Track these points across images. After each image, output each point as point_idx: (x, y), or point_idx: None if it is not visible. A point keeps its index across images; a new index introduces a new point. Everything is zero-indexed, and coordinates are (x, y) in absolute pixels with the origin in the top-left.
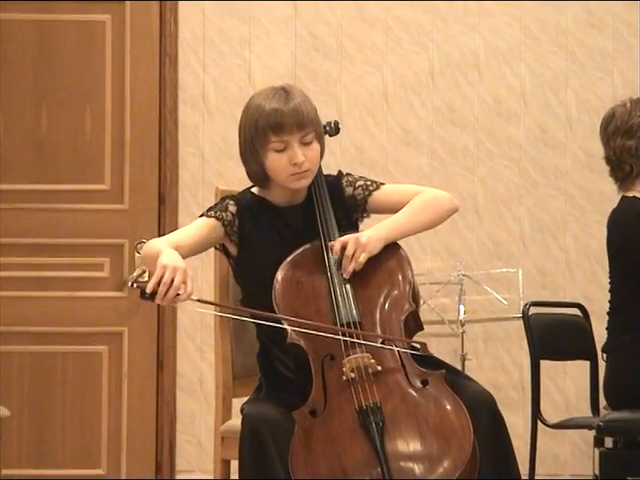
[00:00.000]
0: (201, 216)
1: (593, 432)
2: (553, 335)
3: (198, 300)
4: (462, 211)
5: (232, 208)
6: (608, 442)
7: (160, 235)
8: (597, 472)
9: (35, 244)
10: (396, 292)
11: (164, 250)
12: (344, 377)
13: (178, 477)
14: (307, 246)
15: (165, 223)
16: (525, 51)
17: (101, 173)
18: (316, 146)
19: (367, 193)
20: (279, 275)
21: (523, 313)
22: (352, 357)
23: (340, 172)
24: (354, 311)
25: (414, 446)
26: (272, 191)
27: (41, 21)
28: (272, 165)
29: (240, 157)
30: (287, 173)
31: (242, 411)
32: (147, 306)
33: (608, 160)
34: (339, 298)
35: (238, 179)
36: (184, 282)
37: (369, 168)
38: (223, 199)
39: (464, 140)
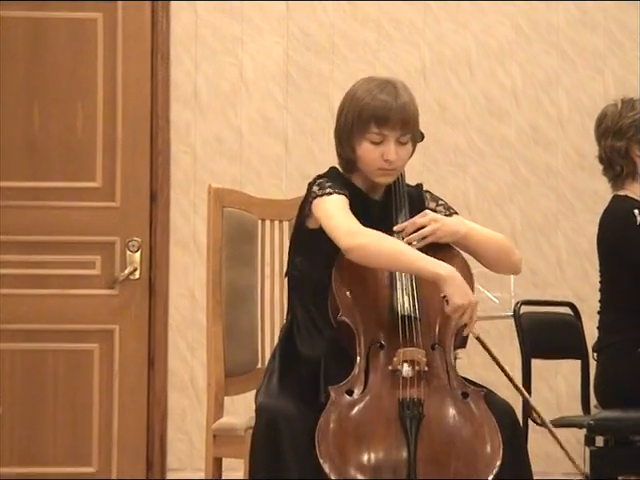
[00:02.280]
0: (334, 194)
1: (584, 431)
2: (544, 334)
3: None
4: None
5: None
6: (599, 441)
7: (151, 233)
8: (588, 471)
9: (26, 242)
10: None
11: (446, 277)
12: (390, 367)
13: (169, 475)
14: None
15: (157, 221)
16: (517, 50)
17: (93, 170)
18: (409, 147)
19: (448, 213)
20: (343, 257)
21: (514, 312)
22: (408, 350)
23: (421, 184)
24: (416, 306)
25: (444, 451)
26: (356, 177)
27: (33, 19)
28: (364, 154)
29: (334, 136)
30: (376, 166)
31: (256, 401)
32: (138, 304)
33: (600, 159)
34: (401, 291)
35: (230, 177)
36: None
37: None
38: (329, 177)
39: (456, 138)
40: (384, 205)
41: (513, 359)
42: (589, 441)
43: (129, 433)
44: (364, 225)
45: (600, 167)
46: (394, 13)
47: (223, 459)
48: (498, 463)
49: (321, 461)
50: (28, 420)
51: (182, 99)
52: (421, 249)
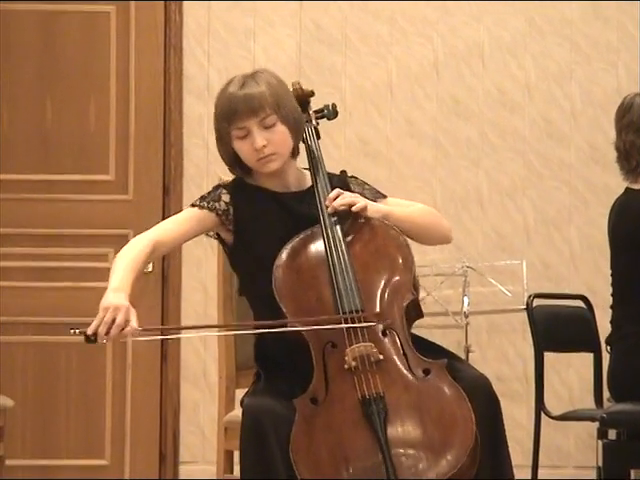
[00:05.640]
0: (193, 205)
1: (597, 424)
2: (557, 327)
3: (144, 329)
4: (466, 203)
5: (225, 197)
6: (611, 434)
7: None
8: (600, 464)
9: (39, 234)
10: (398, 279)
11: (108, 291)
12: (346, 366)
13: (181, 467)
14: (307, 232)
15: (169, 214)
16: (529, 43)
17: (106, 164)
18: (281, 128)
19: (373, 198)
20: (279, 261)
21: (527, 305)
22: (355, 346)
23: (344, 172)
24: (356, 299)
25: (416, 436)
26: (257, 178)
27: (45, 12)
28: (239, 152)
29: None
30: (254, 158)
31: (242, 403)
32: (151, 297)
33: (617, 149)
34: (341, 285)
35: None
36: (127, 319)
37: (373, 159)
38: (216, 187)
39: (468, 132)
40: (309, 196)
41: (526, 352)
42: (602, 434)
43: (142, 426)
44: (283, 220)
45: (614, 156)
46: (407, 6)
47: (234, 452)
48: (473, 429)
49: (297, 474)
50: (41, 412)
51: (195, 92)
52: (354, 226)
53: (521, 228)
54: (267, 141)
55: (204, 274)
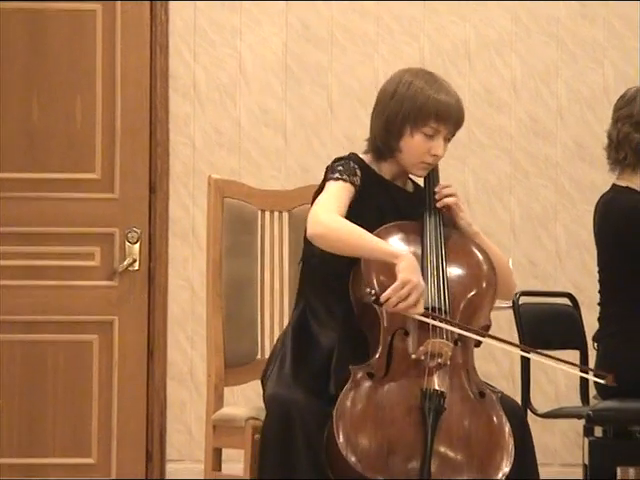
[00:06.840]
0: (335, 180)
1: (583, 421)
2: (543, 325)
3: (423, 314)
4: None
5: (358, 172)
6: (598, 431)
7: (150, 225)
8: (587, 461)
9: (25, 233)
10: (481, 301)
11: (403, 255)
12: (414, 355)
13: (168, 466)
14: (407, 222)
15: (156, 212)
16: (516, 41)
17: (92, 162)
18: (447, 146)
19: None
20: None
21: (513, 303)
22: (437, 340)
23: None
24: (446, 299)
25: (459, 446)
26: (384, 165)
27: (32, 10)
28: (414, 145)
29: (380, 119)
30: (420, 159)
31: (263, 383)
32: (138, 295)
33: (609, 137)
34: (435, 281)
35: (229, 168)
36: (418, 301)
37: None
38: (346, 161)
39: None
40: (414, 196)
41: (512, 350)
42: (588, 432)
43: (128, 424)
44: (385, 211)
45: (601, 153)
46: (393, 5)
47: (223, 450)
48: (507, 470)
49: (336, 437)
50: (28, 411)
51: (181, 90)
52: (455, 238)
53: (507, 226)
54: (443, 152)
55: (190, 272)
